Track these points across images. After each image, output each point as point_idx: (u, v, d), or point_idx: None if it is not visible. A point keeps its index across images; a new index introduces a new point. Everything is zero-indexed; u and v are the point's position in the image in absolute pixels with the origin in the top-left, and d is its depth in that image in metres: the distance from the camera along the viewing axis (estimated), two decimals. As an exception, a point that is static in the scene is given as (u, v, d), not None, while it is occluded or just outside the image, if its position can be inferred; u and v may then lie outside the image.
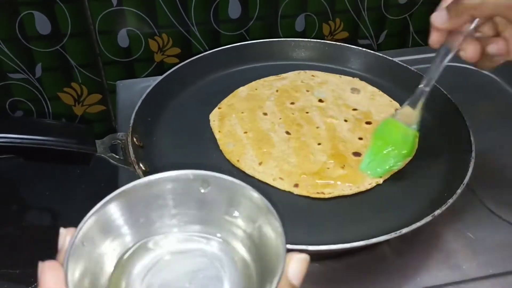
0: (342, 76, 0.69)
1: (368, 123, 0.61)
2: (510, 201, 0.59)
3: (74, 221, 0.82)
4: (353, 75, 0.70)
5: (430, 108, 0.63)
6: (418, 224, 0.45)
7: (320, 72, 0.70)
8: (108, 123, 0.88)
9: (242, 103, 0.65)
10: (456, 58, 0.83)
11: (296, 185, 0.53)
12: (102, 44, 0.78)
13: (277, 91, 0.66)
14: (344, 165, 0.55)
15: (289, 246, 0.43)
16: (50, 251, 0.75)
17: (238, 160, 0.57)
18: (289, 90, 0.66)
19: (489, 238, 0.54)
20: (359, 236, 0.46)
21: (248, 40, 0.81)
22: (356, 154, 0.56)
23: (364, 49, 0.71)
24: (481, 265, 0.51)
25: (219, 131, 0.61)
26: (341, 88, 0.67)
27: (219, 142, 0.59)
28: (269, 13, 0.81)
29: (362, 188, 0.53)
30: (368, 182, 0.53)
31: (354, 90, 0.66)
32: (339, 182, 0.53)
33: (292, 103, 0.64)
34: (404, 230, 0.45)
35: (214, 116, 0.63)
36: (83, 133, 0.50)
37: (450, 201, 0.47)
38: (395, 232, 0.45)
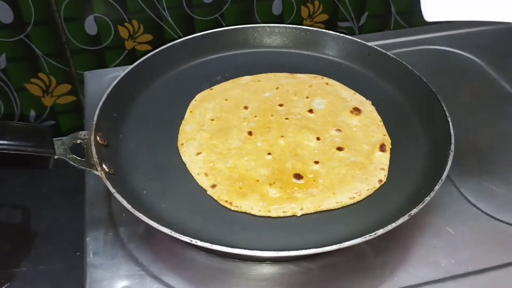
0: (357, 93, 0.62)
1: (339, 149, 0.55)
2: (490, 191, 0.57)
3: (46, 218, 0.79)
4: (331, 62, 0.67)
5: (407, 95, 0.62)
6: (394, 225, 0.43)
7: (337, 83, 0.64)
8: (80, 113, 0.84)
9: (234, 91, 0.62)
10: (438, 41, 0.81)
11: (213, 186, 0.51)
12: (69, 32, 0.74)
13: (277, 88, 0.62)
14: (273, 183, 0.51)
15: (255, 253, 0.42)
16: (23, 250, 0.72)
17: (182, 144, 0.55)
18: (290, 91, 0.62)
19: (469, 233, 0.52)
20: (334, 237, 0.44)
21: (223, 25, 0.78)
22: (297, 176, 0.51)
23: (341, 34, 0.68)
24: (461, 262, 0.50)
25: (191, 111, 0.60)
26: (344, 104, 0.61)
27: (183, 122, 0.58)
28: (244, -4, 0.77)
29: (273, 214, 0.49)
30: (283, 210, 0.49)
31: (356, 110, 0.59)
32: (255, 197, 0.49)
33: (281, 105, 0.60)
34: (380, 232, 0.43)
35: (199, 96, 0.62)
36: (40, 134, 0.46)
37: (428, 199, 0.46)
38: (369, 235, 0.43)
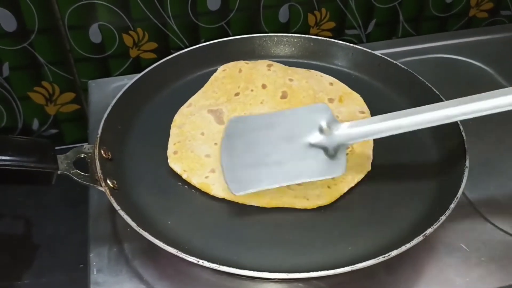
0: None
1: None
2: (505, 206, 0.56)
3: (48, 229, 0.77)
4: (339, 72, 0.66)
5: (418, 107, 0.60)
6: (409, 245, 0.42)
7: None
8: (84, 122, 0.83)
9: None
10: (447, 49, 0.80)
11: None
12: (73, 40, 0.73)
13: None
14: None
15: (263, 275, 0.41)
16: (24, 262, 0.71)
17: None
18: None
19: (483, 249, 0.51)
20: (345, 257, 0.43)
21: (229, 33, 0.77)
22: None
23: (351, 44, 0.67)
24: (476, 280, 0.48)
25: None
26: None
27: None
28: (250, 3, 0.76)
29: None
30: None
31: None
32: None
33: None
34: (394, 253, 0.42)
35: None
36: (43, 149, 0.45)
37: (443, 218, 0.44)
38: (383, 256, 0.41)
